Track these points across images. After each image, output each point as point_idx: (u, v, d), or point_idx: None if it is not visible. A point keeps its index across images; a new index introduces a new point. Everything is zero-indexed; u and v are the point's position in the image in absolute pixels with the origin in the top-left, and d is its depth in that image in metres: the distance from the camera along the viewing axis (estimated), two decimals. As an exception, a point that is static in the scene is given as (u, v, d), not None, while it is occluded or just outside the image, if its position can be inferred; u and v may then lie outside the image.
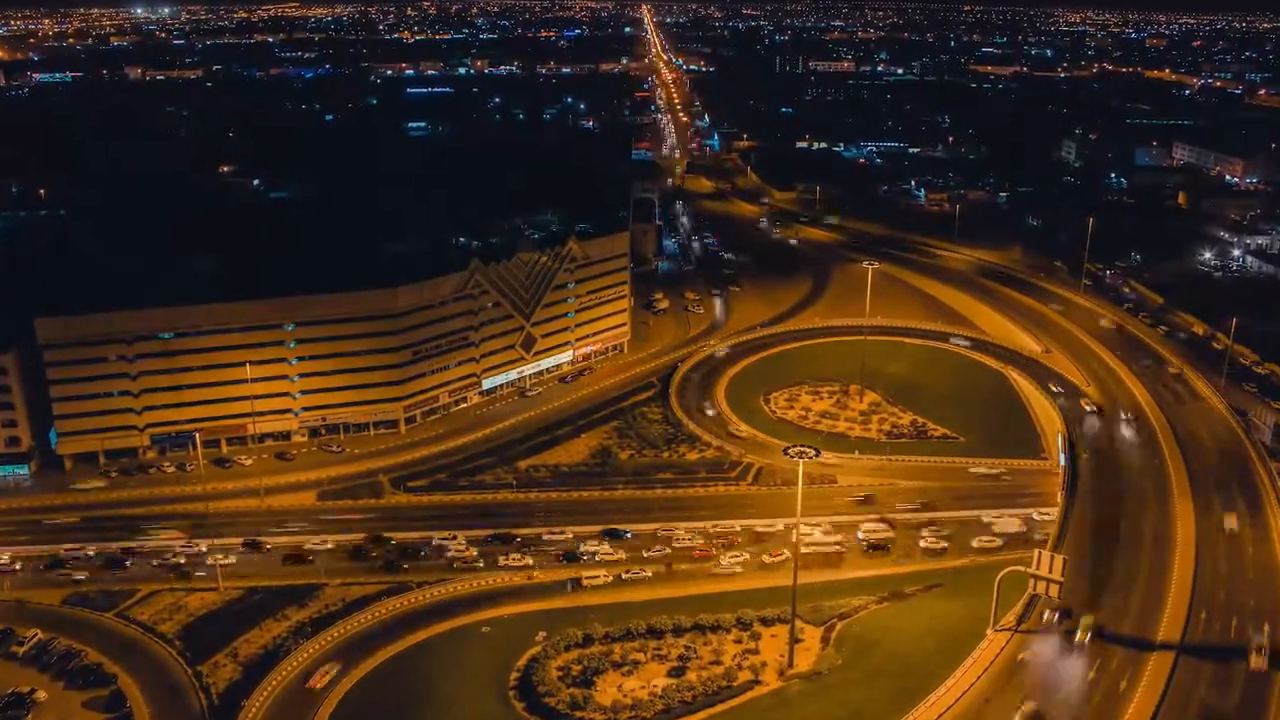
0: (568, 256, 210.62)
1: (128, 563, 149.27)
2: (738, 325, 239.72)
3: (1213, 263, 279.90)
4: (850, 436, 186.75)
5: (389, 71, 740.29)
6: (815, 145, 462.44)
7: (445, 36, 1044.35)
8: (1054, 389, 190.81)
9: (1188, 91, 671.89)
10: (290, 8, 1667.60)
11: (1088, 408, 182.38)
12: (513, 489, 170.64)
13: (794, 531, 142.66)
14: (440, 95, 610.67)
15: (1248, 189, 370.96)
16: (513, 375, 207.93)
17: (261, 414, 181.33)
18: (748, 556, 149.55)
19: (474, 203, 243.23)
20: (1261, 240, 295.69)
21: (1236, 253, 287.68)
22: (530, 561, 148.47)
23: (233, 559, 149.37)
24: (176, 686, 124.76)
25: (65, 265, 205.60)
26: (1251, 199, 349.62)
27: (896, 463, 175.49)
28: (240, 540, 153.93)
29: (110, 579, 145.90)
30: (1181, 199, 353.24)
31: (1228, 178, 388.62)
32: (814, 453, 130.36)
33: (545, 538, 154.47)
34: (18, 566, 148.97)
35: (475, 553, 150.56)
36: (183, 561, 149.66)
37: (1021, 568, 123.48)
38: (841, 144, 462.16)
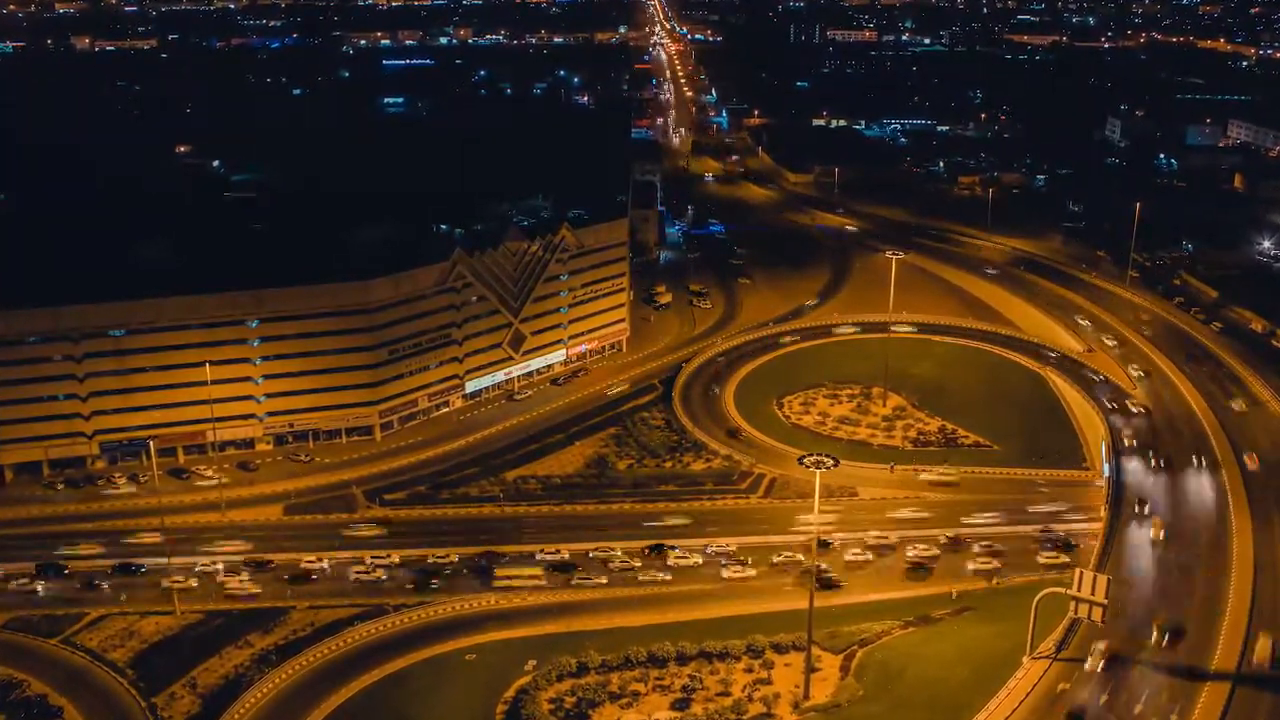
0: (560, 246, 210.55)
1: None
2: (748, 321, 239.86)
3: (1272, 252, 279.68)
4: (873, 444, 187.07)
5: (363, 42, 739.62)
6: (834, 123, 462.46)
7: (425, 2, 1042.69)
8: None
9: (1245, 63, 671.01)
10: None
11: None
12: (499, 502, 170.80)
13: (811, 549, 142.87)
14: (419, 67, 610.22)
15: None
16: (500, 377, 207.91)
17: (222, 420, 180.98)
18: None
19: (456, 186, 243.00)
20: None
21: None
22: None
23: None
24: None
25: (5, 255, 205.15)
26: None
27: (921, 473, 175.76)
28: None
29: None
30: (1238, 182, 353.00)
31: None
32: (833, 462, 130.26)
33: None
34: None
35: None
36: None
37: (1061, 589, 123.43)
38: (863, 121, 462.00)
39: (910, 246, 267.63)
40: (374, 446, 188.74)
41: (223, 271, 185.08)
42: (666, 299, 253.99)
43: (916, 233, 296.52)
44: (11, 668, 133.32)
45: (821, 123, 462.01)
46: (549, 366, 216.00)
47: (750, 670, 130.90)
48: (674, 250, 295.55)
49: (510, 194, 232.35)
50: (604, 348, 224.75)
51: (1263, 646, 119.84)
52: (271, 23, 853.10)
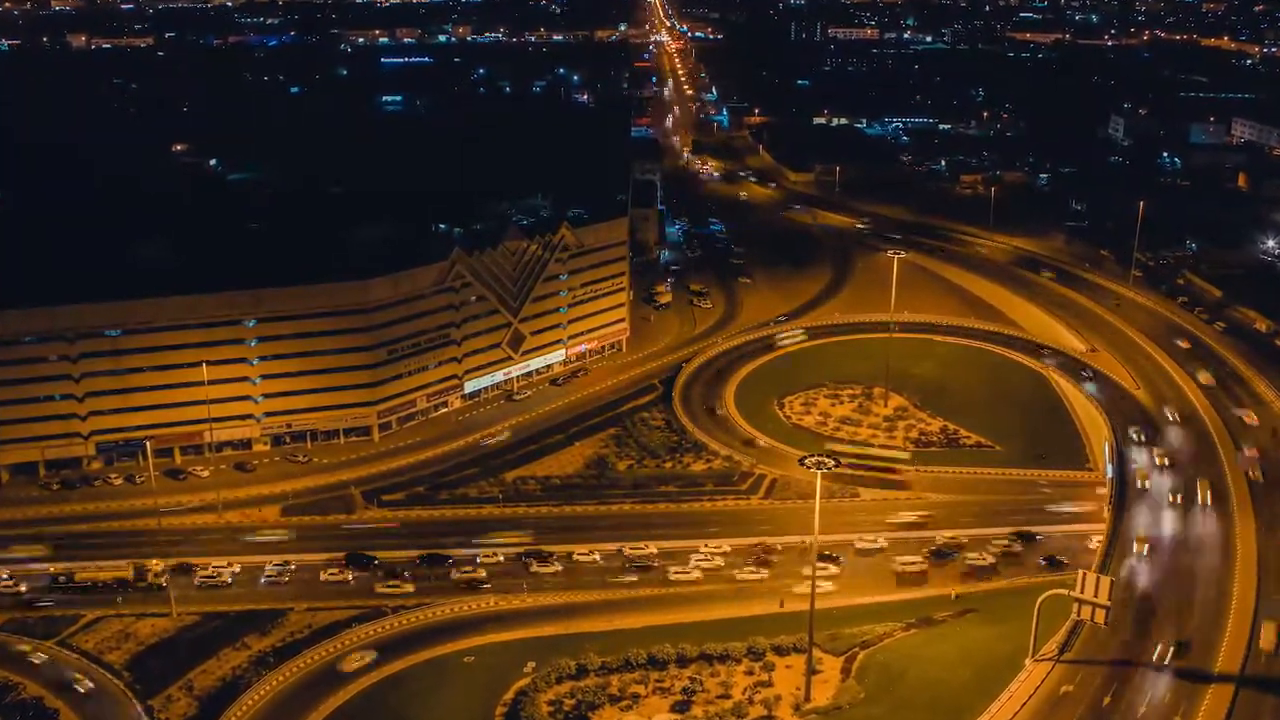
0: (560, 245, 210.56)
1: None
2: (750, 320, 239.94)
3: (1276, 252, 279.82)
4: (874, 445, 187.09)
5: (361, 39, 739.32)
6: (835, 121, 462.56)
7: None
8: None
9: (1249, 61, 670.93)
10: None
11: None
12: (499, 503, 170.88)
13: (812, 551, 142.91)
14: (418, 65, 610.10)
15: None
16: (499, 377, 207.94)
17: (219, 420, 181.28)
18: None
19: (456, 185, 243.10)
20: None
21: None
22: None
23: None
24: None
25: (2, 254, 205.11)
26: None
27: (924, 475, 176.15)
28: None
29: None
30: (1242, 181, 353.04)
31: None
32: (834, 463, 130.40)
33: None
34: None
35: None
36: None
37: (1064, 591, 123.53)
38: (864, 120, 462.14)
39: (910, 246, 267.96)
40: (372, 447, 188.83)
41: (220, 271, 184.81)
42: (667, 298, 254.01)
43: (919, 231, 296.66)
44: (8, 670, 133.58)
45: (822, 121, 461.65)
46: (548, 366, 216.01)
47: (751, 672, 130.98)
48: (674, 249, 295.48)
49: (509, 193, 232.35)
50: (604, 347, 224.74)
51: (1268, 632, 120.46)
52: (269, 20, 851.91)
